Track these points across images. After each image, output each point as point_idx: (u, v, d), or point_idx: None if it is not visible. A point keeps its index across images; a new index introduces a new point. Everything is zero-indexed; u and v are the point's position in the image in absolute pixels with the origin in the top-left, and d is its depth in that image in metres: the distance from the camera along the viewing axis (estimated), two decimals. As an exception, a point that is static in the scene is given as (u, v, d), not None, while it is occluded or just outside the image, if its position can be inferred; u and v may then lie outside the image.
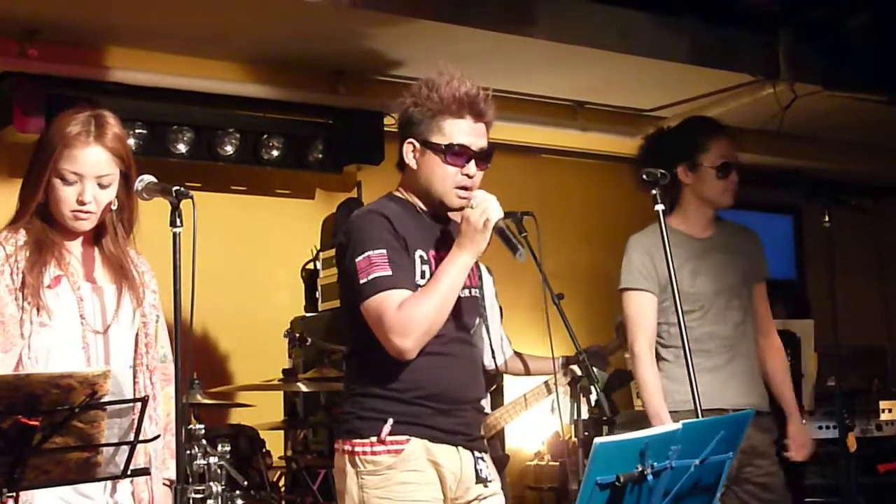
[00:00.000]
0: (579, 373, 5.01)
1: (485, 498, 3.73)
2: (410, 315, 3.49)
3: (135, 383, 3.44)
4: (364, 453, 3.58)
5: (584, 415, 5.08)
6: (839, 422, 4.83)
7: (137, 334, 3.47)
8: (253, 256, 7.56)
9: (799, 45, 7.39)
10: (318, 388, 6.14)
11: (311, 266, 7.45)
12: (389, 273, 3.52)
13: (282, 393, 6.89)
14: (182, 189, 3.21)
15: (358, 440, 3.60)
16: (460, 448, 3.67)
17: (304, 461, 6.29)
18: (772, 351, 5.01)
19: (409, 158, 3.71)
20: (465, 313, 3.73)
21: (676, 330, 4.74)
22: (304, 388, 5.89)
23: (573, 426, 5.14)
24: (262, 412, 6.52)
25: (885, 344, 6.90)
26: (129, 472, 2.97)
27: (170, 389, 3.56)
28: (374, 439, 3.57)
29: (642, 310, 4.79)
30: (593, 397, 4.97)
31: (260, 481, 5.78)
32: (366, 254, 3.55)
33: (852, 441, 5.17)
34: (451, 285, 3.55)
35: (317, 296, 7.29)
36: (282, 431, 6.67)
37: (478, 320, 3.89)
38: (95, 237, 3.51)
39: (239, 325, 7.36)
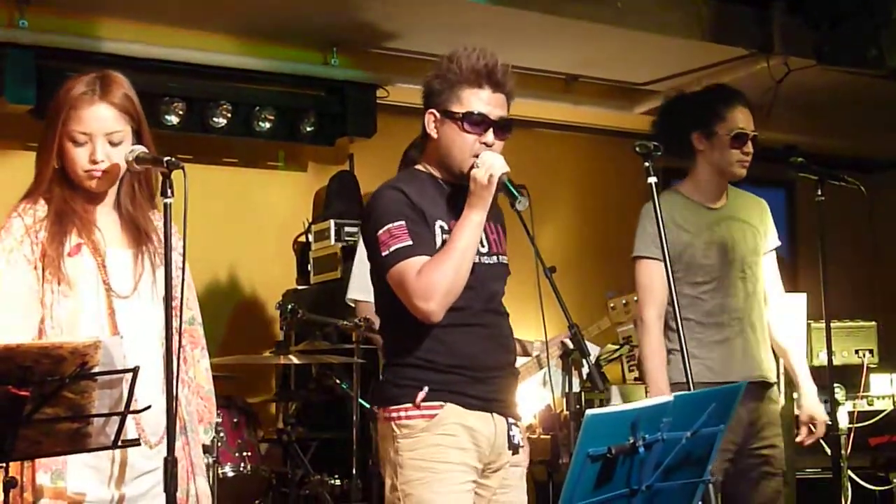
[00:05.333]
0: (571, 346, 5.00)
1: (514, 465, 3.82)
2: (429, 278, 3.57)
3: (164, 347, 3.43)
4: (399, 418, 3.67)
5: (576, 388, 5.09)
6: (830, 396, 4.83)
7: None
8: (245, 229, 7.54)
9: (793, 18, 7.38)
10: (310, 360, 6.15)
11: (302, 239, 7.46)
12: (409, 243, 3.61)
13: (274, 365, 6.90)
14: (173, 159, 3.19)
15: (394, 406, 3.69)
16: (495, 415, 3.74)
17: (296, 433, 6.30)
18: (781, 321, 4.97)
19: (430, 128, 3.77)
20: (492, 280, 3.80)
21: (687, 301, 4.73)
22: (295, 361, 5.89)
23: (565, 399, 5.14)
24: (254, 384, 6.53)
25: (877, 318, 6.90)
26: (119, 444, 2.96)
27: (198, 352, 3.57)
28: (409, 405, 3.66)
29: (653, 279, 4.70)
30: (585, 370, 4.97)
31: (251, 453, 5.80)
32: (385, 227, 3.64)
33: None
34: (466, 245, 3.61)
35: (309, 268, 7.30)
36: (273, 404, 6.68)
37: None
38: (116, 201, 3.48)
39: (230, 297, 7.36)
